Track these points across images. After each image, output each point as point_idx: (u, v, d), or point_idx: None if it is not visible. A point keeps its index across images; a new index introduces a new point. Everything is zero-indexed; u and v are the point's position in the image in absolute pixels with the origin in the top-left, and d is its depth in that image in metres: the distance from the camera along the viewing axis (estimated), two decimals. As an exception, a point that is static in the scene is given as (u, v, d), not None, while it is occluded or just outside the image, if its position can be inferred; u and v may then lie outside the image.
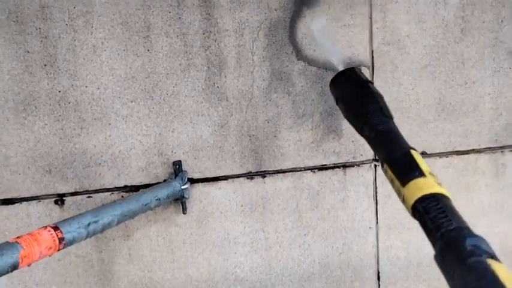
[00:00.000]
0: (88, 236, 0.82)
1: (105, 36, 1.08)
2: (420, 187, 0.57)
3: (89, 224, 0.82)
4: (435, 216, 0.53)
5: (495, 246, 1.33)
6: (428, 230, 0.53)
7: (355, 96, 0.74)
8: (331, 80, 0.80)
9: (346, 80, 0.78)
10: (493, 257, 0.46)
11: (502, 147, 1.29)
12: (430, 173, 0.59)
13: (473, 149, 1.27)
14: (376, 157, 1.25)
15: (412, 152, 0.63)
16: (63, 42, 1.07)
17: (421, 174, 0.59)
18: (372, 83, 0.77)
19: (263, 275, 1.27)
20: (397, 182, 0.60)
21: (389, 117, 0.72)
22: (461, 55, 1.21)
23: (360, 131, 0.72)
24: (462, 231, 0.50)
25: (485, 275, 0.43)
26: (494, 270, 0.43)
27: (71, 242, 0.77)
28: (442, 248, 0.49)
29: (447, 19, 1.19)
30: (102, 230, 0.87)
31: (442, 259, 0.48)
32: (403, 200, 0.57)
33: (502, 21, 1.21)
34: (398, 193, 0.59)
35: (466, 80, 1.23)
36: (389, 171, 0.62)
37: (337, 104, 0.78)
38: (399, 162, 0.62)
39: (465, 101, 1.24)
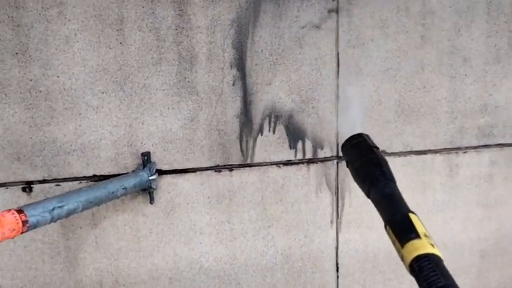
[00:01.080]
0: (52, 220, 0.85)
1: (78, 27, 1.10)
2: (416, 248, 0.65)
3: (53, 209, 0.84)
4: (427, 274, 0.61)
5: (448, 241, 1.42)
6: (421, 286, 0.62)
7: (362, 162, 0.82)
8: (342, 144, 0.88)
9: (354, 146, 0.86)
10: None
11: (456, 149, 1.37)
12: (425, 235, 0.68)
13: (429, 150, 1.35)
14: (340, 156, 1.31)
15: (411, 215, 0.71)
16: (36, 31, 1.08)
17: (417, 236, 0.66)
18: (378, 148, 0.85)
19: (227, 265, 1.31)
20: (397, 243, 0.68)
21: (392, 181, 0.79)
22: (421, 60, 1.29)
23: (368, 194, 0.80)
24: (449, 287, 0.59)
25: None
26: None
27: (34, 226, 0.80)
28: None
29: (409, 26, 1.26)
30: (67, 215, 0.89)
31: None
32: (402, 259, 0.65)
33: (459, 30, 1.29)
34: (399, 252, 0.67)
35: (424, 84, 1.30)
36: (390, 233, 0.70)
37: (347, 167, 0.86)
38: (399, 224, 0.70)
39: (423, 104, 1.32)
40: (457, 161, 1.38)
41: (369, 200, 1.37)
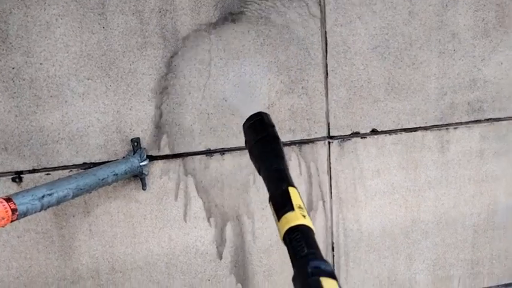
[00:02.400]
0: (43, 208, 0.84)
1: (59, 12, 1.08)
2: (288, 220, 0.66)
3: (43, 197, 0.84)
4: (295, 245, 0.63)
5: (440, 217, 1.44)
6: (291, 257, 0.63)
7: (256, 141, 0.83)
8: (243, 124, 0.88)
9: (251, 125, 0.86)
10: (329, 275, 0.56)
11: (446, 125, 1.37)
12: (299, 207, 0.69)
13: (420, 127, 1.35)
14: (332, 135, 1.31)
15: (290, 188, 0.71)
16: (15, 17, 1.06)
17: (290, 208, 0.67)
18: (273, 127, 0.85)
19: (222, 247, 1.32)
20: (275, 218, 0.69)
21: (279, 157, 0.79)
22: (409, 37, 1.28)
23: (259, 172, 0.81)
24: (308, 256, 0.60)
25: None
26: (322, 286, 0.54)
27: (24, 214, 0.79)
28: (295, 272, 0.60)
29: (396, 1, 1.25)
30: (58, 203, 0.89)
31: (294, 281, 0.59)
32: (279, 233, 0.66)
33: (446, 5, 1.28)
34: (277, 227, 0.68)
35: (413, 61, 1.30)
36: (271, 208, 0.71)
37: (245, 146, 0.87)
38: (277, 199, 0.71)
39: (413, 81, 1.31)
40: (447, 137, 1.38)
41: (362, 180, 1.37)
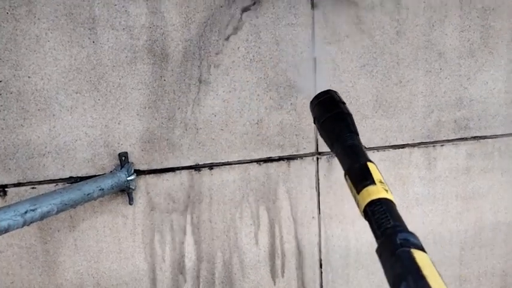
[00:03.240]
0: (25, 223, 0.83)
1: (49, 26, 1.08)
2: (369, 193, 0.66)
3: (26, 212, 0.82)
4: (378, 217, 0.62)
5: (428, 233, 1.44)
6: (373, 229, 0.63)
7: (327, 117, 0.84)
8: (310, 102, 0.90)
9: (320, 102, 0.88)
10: (419, 247, 0.56)
11: (433, 142, 1.39)
12: (380, 181, 0.69)
13: (407, 144, 1.37)
14: (320, 151, 1.32)
15: (368, 163, 0.72)
16: (4, 31, 1.06)
17: (372, 182, 0.67)
18: (344, 103, 0.86)
19: (210, 263, 1.31)
20: (354, 190, 0.70)
21: (354, 133, 0.81)
22: (397, 55, 1.30)
23: (331, 148, 0.82)
24: (396, 228, 0.60)
25: (408, 262, 0.53)
26: (415, 258, 0.53)
27: (5, 230, 0.78)
28: (380, 243, 0.59)
29: (383, 21, 1.27)
30: (41, 218, 0.87)
31: (379, 253, 0.59)
32: (358, 206, 0.67)
33: (433, 25, 1.30)
34: (355, 200, 0.68)
35: (400, 79, 1.32)
36: (348, 181, 0.72)
37: (314, 123, 0.88)
38: (356, 172, 0.71)
39: (400, 99, 1.33)
40: (434, 154, 1.40)
41: (351, 195, 1.38)
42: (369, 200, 0.64)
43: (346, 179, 0.72)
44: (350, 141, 0.78)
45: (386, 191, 0.66)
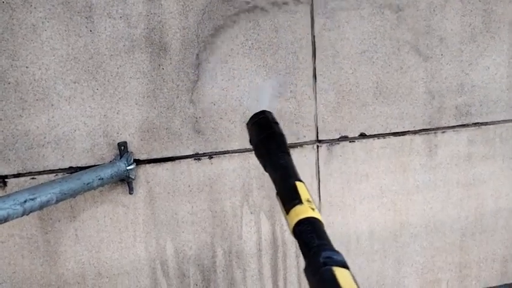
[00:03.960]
0: (25, 213, 0.83)
1: (45, 15, 1.07)
2: (297, 213, 0.67)
3: (25, 201, 0.82)
4: (305, 236, 0.64)
5: (429, 220, 1.44)
6: (302, 249, 0.65)
7: (261, 138, 0.84)
8: (246, 123, 0.90)
9: (255, 123, 0.88)
10: (342, 265, 0.57)
11: (434, 129, 1.38)
12: (308, 200, 0.70)
13: (408, 131, 1.36)
14: (320, 139, 1.31)
15: (297, 183, 0.73)
16: (0, 20, 1.05)
17: (299, 202, 0.68)
18: (277, 124, 0.86)
19: (211, 252, 1.31)
20: (283, 212, 0.71)
21: (285, 153, 0.81)
22: (397, 41, 1.29)
23: (265, 169, 0.82)
24: (321, 247, 0.61)
25: (329, 280, 0.55)
26: (335, 276, 0.54)
27: (5, 219, 0.78)
28: (306, 263, 0.61)
29: (384, 6, 1.25)
30: (41, 208, 0.87)
31: (306, 273, 0.60)
32: (288, 226, 0.67)
33: (434, 10, 1.29)
34: (286, 220, 0.70)
35: (401, 65, 1.30)
36: (279, 201, 0.72)
37: (250, 144, 0.88)
38: (285, 193, 0.73)
39: (401, 85, 1.32)
40: (436, 141, 1.39)
41: (350, 183, 1.37)
42: (296, 220, 0.65)
43: (277, 199, 0.73)
44: (281, 162, 0.79)
45: (313, 209, 0.67)
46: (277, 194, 0.73)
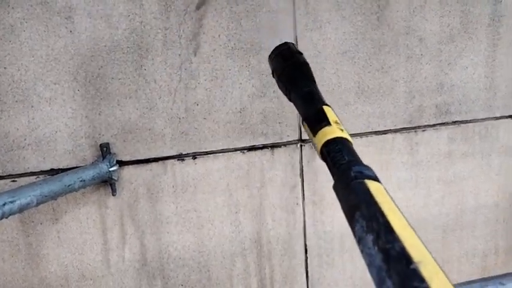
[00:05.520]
0: (3, 216, 0.82)
1: (24, 16, 1.06)
2: (325, 134, 0.65)
3: (4, 204, 0.81)
4: (334, 155, 0.62)
5: (410, 217, 1.47)
6: (330, 168, 0.62)
7: (284, 68, 0.84)
8: (268, 56, 0.89)
9: (278, 55, 0.88)
10: (373, 178, 0.55)
11: (415, 128, 1.41)
12: (336, 122, 0.68)
13: (390, 129, 1.38)
14: (304, 139, 1.32)
15: (324, 107, 0.72)
16: (-23, 21, 1.03)
17: (327, 123, 0.67)
18: (301, 54, 0.86)
19: (196, 252, 1.31)
20: (311, 135, 0.69)
21: (310, 80, 0.81)
22: (378, 42, 1.31)
23: (289, 97, 0.81)
24: (350, 163, 0.59)
25: (361, 192, 0.52)
26: (369, 188, 0.52)
27: (-17, 223, 0.77)
28: (336, 179, 0.58)
29: (365, 7, 1.27)
30: (20, 211, 0.86)
31: (335, 188, 0.58)
32: (316, 149, 0.66)
33: (413, 11, 1.31)
34: (313, 144, 0.68)
35: (382, 65, 1.32)
36: (306, 127, 0.71)
37: (273, 76, 0.88)
38: (312, 117, 0.71)
39: (382, 85, 1.34)
40: (416, 139, 1.42)
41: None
42: (324, 140, 0.64)
43: (303, 125, 0.72)
44: (307, 88, 0.78)
45: (342, 130, 0.66)
46: (304, 120, 0.71)
